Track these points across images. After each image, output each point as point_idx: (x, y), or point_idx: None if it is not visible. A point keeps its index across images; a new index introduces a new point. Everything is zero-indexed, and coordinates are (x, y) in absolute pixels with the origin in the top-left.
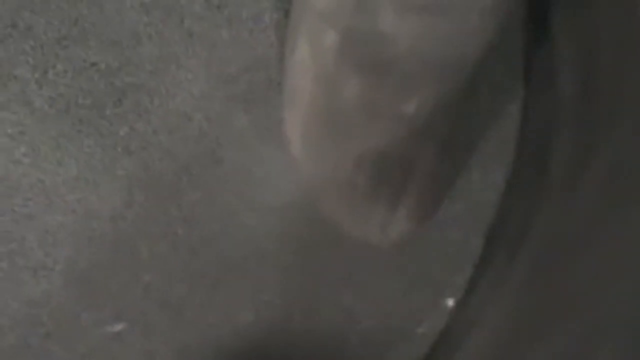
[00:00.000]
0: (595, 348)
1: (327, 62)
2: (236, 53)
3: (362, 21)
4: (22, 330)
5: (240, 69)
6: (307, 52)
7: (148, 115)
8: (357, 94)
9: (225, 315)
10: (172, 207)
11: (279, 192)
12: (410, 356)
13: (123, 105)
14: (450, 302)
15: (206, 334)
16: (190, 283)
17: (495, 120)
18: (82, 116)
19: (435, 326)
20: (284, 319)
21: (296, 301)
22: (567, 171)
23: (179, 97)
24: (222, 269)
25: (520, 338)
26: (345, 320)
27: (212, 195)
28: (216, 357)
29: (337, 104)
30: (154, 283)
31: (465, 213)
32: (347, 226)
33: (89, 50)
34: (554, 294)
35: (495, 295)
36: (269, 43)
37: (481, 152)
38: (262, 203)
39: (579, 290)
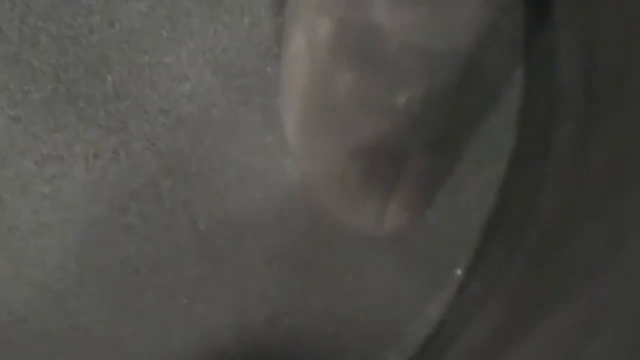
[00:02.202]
0: (590, 336)
1: (321, 53)
2: (234, 43)
3: (355, 13)
4: None
5: (238, 58)
6: (303, 43)
7: (145, 104)
8: (350, 86)
9: (216, 310)
10: (164, 198)
11: (275, 182)
12: (406, 348)
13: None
14: (453, 285)
15: (197, 329)
16: (179, 277)
17: (494, 109)
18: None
19: (431, 318)
20: (278, 313)
21: (291, 293)
22: (568, 160)
23: (174, 88)
24: (214, 262)
25: (518, 327)
26: (340, 313)
27: (205, 188)
28: (209, 353)
29: (331, 96)
30: (140, 275)
31: (463, 203)
32: (341, 218)
33: None
34: (552, 284)
35: (492, 287)
36: (267, 33)
37: (480, 142)
38: (257, 194)
39: (575, 279)
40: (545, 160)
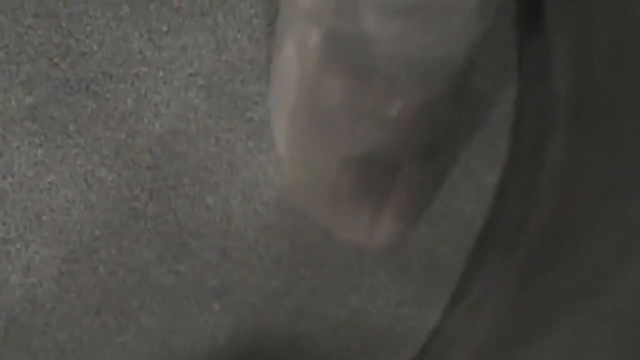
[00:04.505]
0: (586, 350)
1: (311, 63)
2: (225, 53)
3: (345, 23)
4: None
5: (228, 69)
6: (293, 53)
7: (139, 114)
8: (341, 96)
9: (217, 320)
10: (162, 212)
11: (267, 194)
12: (402, 358)
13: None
14: (447, 293)
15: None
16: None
17: (487, 119)
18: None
19: (425, 328)
20: (274, 321)
21: (284, 302)
22: (563, 168)
23: (166, 98)
24: (209, 272)
25: (513, 339)
26: (333, 322)
27: (200, 199)
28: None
29: (322, 105)
30: (139, 280)
31: (457, 213)
32: (334, 229)
33: None
34: (547, 296)
35: (486, 298)
36: (258, 43)
37: (473, 151)
38: (249, 205)
39: (570, 291)
40: (539, 170)
